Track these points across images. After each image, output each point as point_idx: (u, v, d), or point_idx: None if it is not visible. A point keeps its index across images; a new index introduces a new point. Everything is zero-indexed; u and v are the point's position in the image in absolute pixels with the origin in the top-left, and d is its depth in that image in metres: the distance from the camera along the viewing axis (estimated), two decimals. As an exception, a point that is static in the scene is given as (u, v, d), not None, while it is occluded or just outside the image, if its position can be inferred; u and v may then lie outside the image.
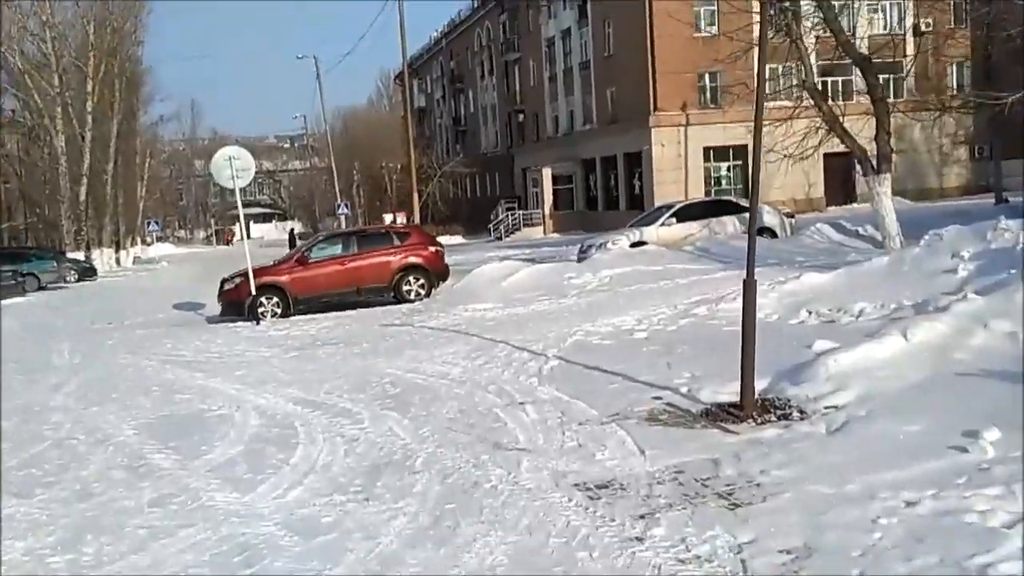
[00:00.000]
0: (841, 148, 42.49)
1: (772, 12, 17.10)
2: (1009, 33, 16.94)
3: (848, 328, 9.43)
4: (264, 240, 68.59)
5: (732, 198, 20.97)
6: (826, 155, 40.43)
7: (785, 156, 17.97)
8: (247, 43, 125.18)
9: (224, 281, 17.48)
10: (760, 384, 7.41)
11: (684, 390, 7.74)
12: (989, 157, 42.95)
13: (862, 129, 21.07)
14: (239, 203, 16.55)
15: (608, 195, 45.59)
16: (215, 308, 19.07)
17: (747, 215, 19.54)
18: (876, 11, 42.08)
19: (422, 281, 17.35)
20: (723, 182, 41.09)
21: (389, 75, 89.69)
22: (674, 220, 19.19)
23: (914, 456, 5.34)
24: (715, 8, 39.82)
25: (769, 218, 19.62)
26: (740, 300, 11.82)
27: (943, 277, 10.23)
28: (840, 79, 41.35)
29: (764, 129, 8.04)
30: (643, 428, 6.79)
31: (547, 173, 48.25)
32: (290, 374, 10.57)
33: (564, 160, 48.25)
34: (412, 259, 17.37)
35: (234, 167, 15.46)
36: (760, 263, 15.84)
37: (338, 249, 17.51)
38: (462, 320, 13.71)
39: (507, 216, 50.16)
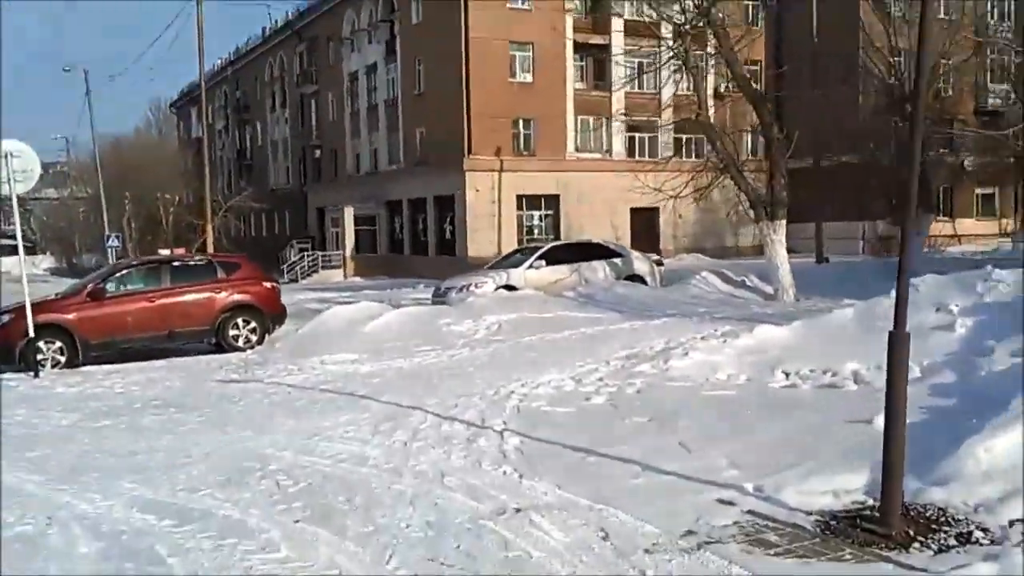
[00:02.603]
0: (645, 203, 43.16)
1: (672, 41, 15.77)
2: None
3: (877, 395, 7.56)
4: (10, 275, 59.93)
5: (601, 241, 19.25)
6: (632, 209, 40.89)
7: (671, 197, 16.46)
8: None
9: (-14, 320, 13.35)
10: (857, 479, 5.30)
11: (750, 487, 5.46)
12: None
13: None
14: (16, 215, 12.54)
15: (416, 239, 43.26)
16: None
17: (617, 260, 18.04)
18: (680, 71, 42.98)
19: (253, 324, 14.05)
20: (535, 231, 40.03)
21: (160, 103, 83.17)
22: (543, 263, 17.11)
23: None
24: (530, 55, 39.13)
25: (640, 264, 18.06)
26: (691, 357, 9.97)
27: (939, 336, 8.70)
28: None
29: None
30: (760, 559, 4.43)
31: (349, 213, 45.19)
32: (115, 456, 7.25)
33: (367, 200, 45.45)
34: (243, 297, 14.03)
35: (10, 167, 11.61)
36: (659, 313, 14.16)
37: (144, 281, 13.83)
38: (328, 376, 10.75)
39: (302, 257, 46.42)
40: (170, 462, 6.95)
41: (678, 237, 42.92)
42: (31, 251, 77.89)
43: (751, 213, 44.96)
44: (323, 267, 45.41)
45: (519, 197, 39.00)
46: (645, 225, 40.93)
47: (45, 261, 71.26)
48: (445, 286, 17.44)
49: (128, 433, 8.18)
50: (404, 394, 9.10)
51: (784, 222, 15.14)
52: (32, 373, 12.07)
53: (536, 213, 39.99)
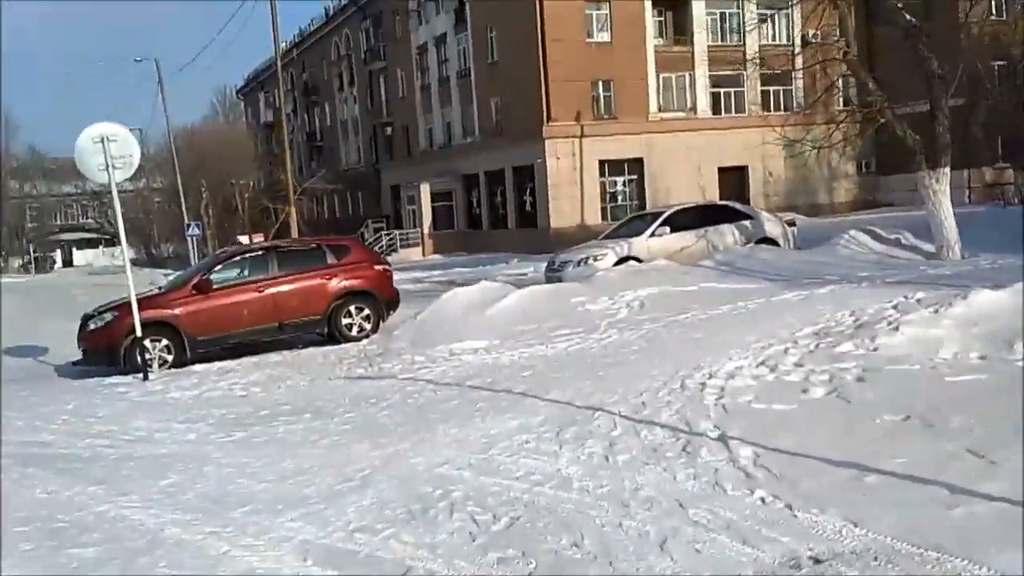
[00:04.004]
0: (734, 162, 41.17)
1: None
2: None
3: None
4: (92, 267, 60.61)
5: (728, 203, 17.73)
6: (720, 168, 38.98)
7: (816, 148, 14.95)
8: (69, 45, 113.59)
9: (87, 318, 12.45)
10: None
11: None
12: (876, 172, 42.52)
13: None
14: (116, 202, 11.55)
15: (494, 213, 42.04)
16: (63, 352, 13.95)
17: (747, 223, 16.43)
18: (765, 20, 40.83)
19: (367, 312, 12.94)
20: (619, 197, 38.46)
21: (225, 91, 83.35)
22: (667, 229, 15.65)
23: None
24: (608, 13, 37.34)
25: (771, 227, 16.47)
26: (903, 332, 8.49)
27: None
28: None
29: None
30: None
31: (425, 190, 44.11)
32: (261, 481, 6.15)
33: (442, 176, 44.31)
34: (355, 282, 12.91)
35: (108, 153, 10.62)
36: (818, 280, 12.65)
37: (251, 270, 12.79)
38: (467, 368, 9.57)
39: (380, 237, 45.58)
40: (329, 488, 5.82)
41: (769, 196, 40.78)
42: (110, 243, 79.17)
43: (848, 167, 42.96)
44: (401, 246, 44.50)
45: (601, 163, 37.45)
46: (735, 185, 39.00)
47: (129, 252, 72.14)
48: (560, 260, 16.11)
49: (267, 448, 7.08)
50: (568, 389, 7.84)
51: (948, 170, 13.42)
52: (141, 375, 11.14)
53: (619, 179, 38.41)
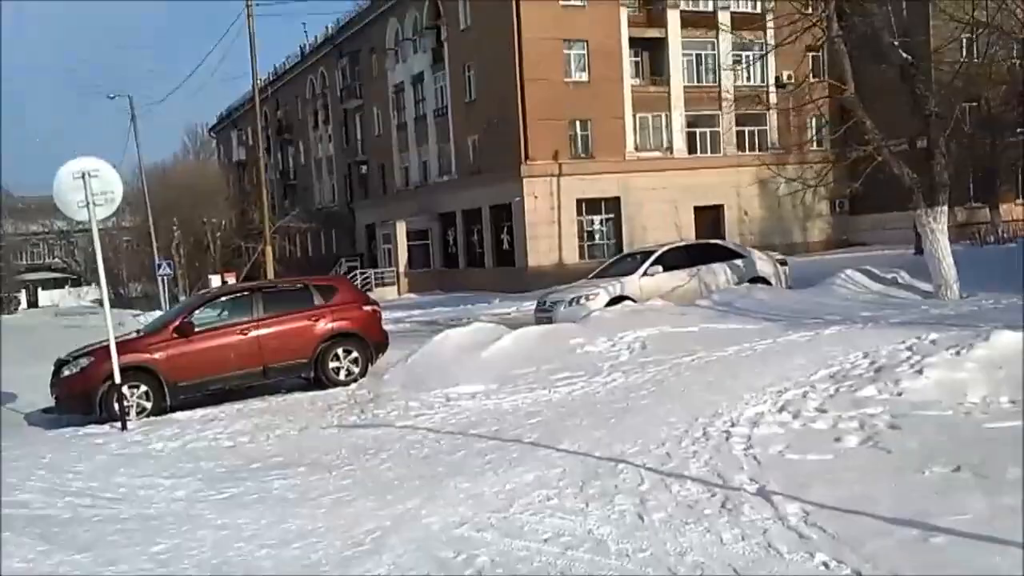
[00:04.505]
0: (710, 201, 41.27)
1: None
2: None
3: None
4: (59, 308, 59.30)
5: (719, 241, 17.47)
6: (696, 207, 39.04)
7: (807, 187, 14.75)
8: (36, 80, 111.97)
9: (61, 364, 11.82)
10: None
11: None
12: (848, 211, 42.82)
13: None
14: (96, 241, 10.93)
15: (471, 251, 41.70)
16: (32, 399, 13.32)
17: (739, 262, 16.16)
18: (739, 61, 41.26)
19: (355, 355, 12.43)
20: (596, 236, 38.35)
21: (196, 130, 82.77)
22: (659, 268, 15.34)
23: None
24: (585, 52, 37.46)
25: (763, 265, 16.23)
26: (927, 375, 8.16)
27: None
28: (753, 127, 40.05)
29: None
30: None
31: (401, 228, 43.72)
32: (263, 545, 5.64)
33: (418, 214, 43.99)
34: (343, 324, 12.41)
35: (89, 189, 10.11)
36: (820, 321, 12.35)
37: (235, 312, 12.25)
38: (467, 414, 9.12)
39: (355, 276, 45.01)
40: (338, 554, 5.33)
41: (744, 235, 40.86)
42: (76, 283, 77.75)
43: (821, 207, 43.17)
44: (376, 284, 43.96)
45: (579, 201, 37.35)
46: (710, 223, 39.10)
47: (91, 293, 70.78)
48: (551, 300, 15.72)
49: (264, 507, 6.57)
50: (582, 438, 7.42)
51: (945, 208, 13.27)
52: (119, 424, 10.54)
53: (596, 218, 38.33)
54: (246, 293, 12.66)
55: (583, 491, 6.02)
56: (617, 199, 37.91)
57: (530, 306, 23.27)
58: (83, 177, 10.05)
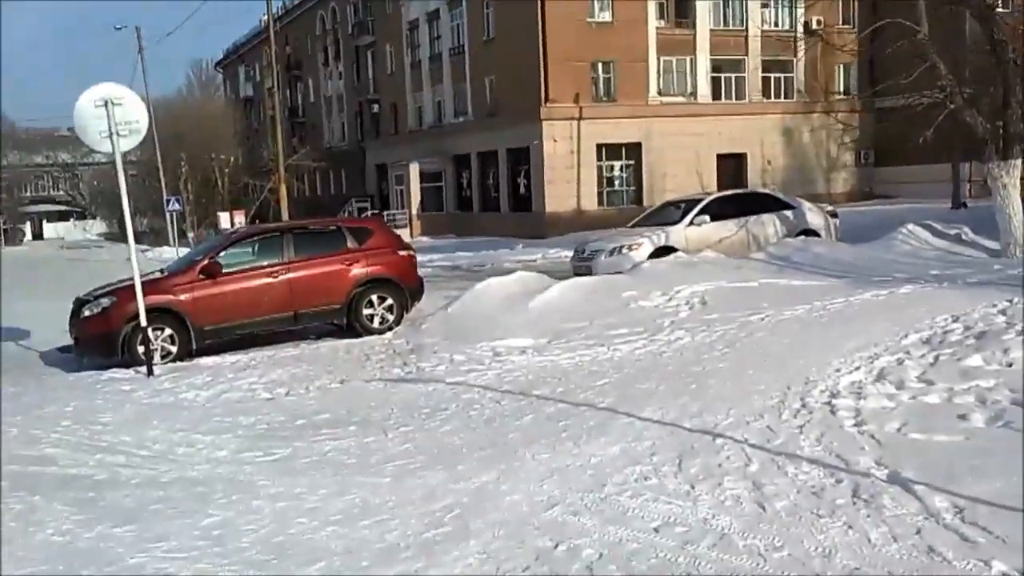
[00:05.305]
0: (732, 149, 40.31)
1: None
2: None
3: None
4: (65, 241, 58.64)
5: (769, 191, 16.65)
6: (719, 155, 38.06)
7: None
8: (39, 9, 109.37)
9: (81, 303, 11.12)
10: None
11: None
12: (873, 163, 41.81)
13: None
14: (120, 174, 10.22)
15: (485, 195, 40.80)
16: (46, 336, 12.73)
17: (788, 213, 15.31)
18: (767, 6, 39.91)
19: (390, 301, 11.73)
20: (616, 183, 37.45)
21: (202, 65, 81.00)
22: (706, 218, 14.55)
23: None
24: (608, -10, 36.13)
25: (813, 217, 15.43)
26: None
27: None
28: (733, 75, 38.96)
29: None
30: None
31: (414, 169, 42.79)
32: (327, 521, 4.99)
33: (431, 156, 42.98)
34: (377, 269, 11.68)
35: (113, 118, 9.32)
36: (888, 278, 11.64)
37: (264, 254, 11.51)
38: (524, 371, 8.44)
39: (367, 216, 44.18)
40: (418, 536, 4.67)
41: (767, 184, 39.86)
42: (81, 216, 76.94)
43: (846, 158, 42.18)
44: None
45: (599, 147, 36.37)
46: (732, 172, 38.18)
47: (96, 226, 70.04)
48: (590, 248, 14.95)
49: (320, 474, 5.91)
50: (663, 405, 6.74)
51: (1019, 162, 12.44)
52: (144, 369, 9.88)
53: (617, 163, 37.39)
54: (276, 234, 11.90)
55: (682, 470, 5.36)
56: (638, 145, 36.92)
57: (555, 253, 22.62)
58: (106, 105, 9.23)
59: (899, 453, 5.31)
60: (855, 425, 5.89)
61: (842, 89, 41.84)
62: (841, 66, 41.11)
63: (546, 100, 35.23)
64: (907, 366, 7.16)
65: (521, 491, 5.25)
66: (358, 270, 11.64)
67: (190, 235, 44.04)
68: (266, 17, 63.56)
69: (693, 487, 5.08)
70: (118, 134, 9.37)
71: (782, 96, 40.75)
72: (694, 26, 38.08)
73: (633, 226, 15.78)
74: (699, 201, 15.04)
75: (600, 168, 36.95)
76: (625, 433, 6.15)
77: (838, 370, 7.21)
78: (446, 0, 41.80)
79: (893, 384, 6.75)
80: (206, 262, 11.12)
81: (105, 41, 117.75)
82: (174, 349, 10.76)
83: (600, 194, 36.98)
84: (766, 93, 40.65)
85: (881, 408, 6.19)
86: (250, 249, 11.66)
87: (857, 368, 7.23)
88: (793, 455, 5.42)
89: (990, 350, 7.18)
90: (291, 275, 11.35)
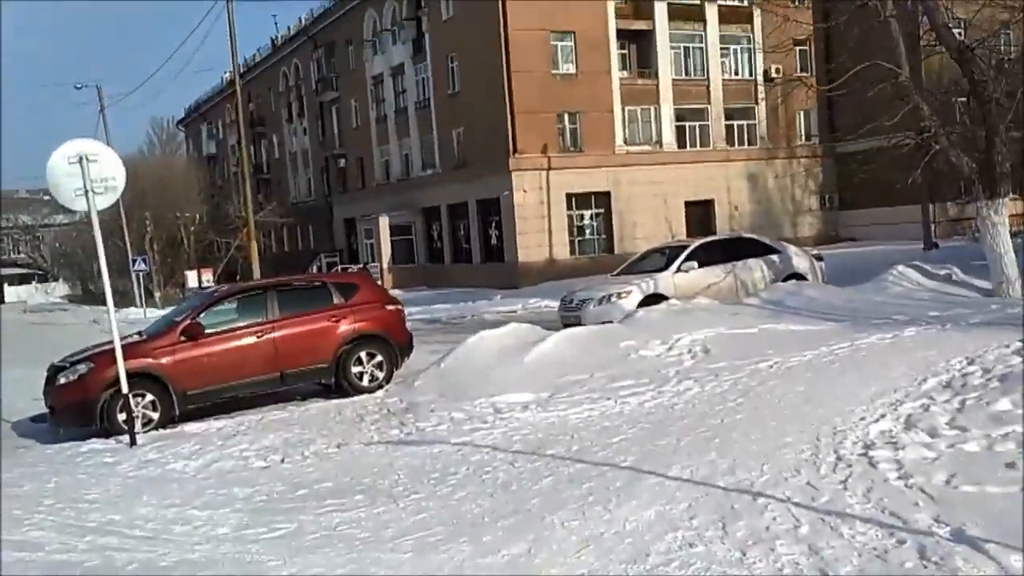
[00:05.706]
0: (700, 196, 40.69)
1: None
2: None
3: None
4: (27, 304, 57.27)
5: (754, 236, 16.55)
6: (686, 203, 38.30)
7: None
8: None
9: (56, 370, 10.56)
10: None
11: None
12: (838, 207, 42.36)
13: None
14: (97, 233, 9.71)
15: (457, 247, 40.61)
16: (15, 404, 12.13)
17: (775, 257, 15.17)
18: (727, 55, 40.60)
19: (380, 358, 11.33)
20: (587, 231, 37.55)
21: (163, 123, 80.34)
22: (694, 264, 14.38)
23: None
24: (572, 44, 36.47)
25: (799, 261, 15.34)
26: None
27: None
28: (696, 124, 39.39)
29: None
30: None
31: (384, 223, 42.52)
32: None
33: (400, 209, 42.80)
34: (365, 325, 11.31)
35: (88, 175, 8.90)
36: (888, 322, 11.44)
37: (247, 312, 11.07)
38: (526, 429, 8.07)
39: (337, 271, 43.66)
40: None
41: (735, 230, 40.25)
42: (43, 279, 75.41)
43: (811, 202, 42.68)
44: (360, 281, 42.62)
45: (569, 196, 36.47)
46: (701, 218, 38.52)
47: (59, 288, 68.60)
48: (578, 298, 14.68)
49: (334, 551, 5.46)
50: (690, 462, 6.40)
51: (1007, 200, 12.46)
52: (127, 439, 9.35)
53: (587, 212, 37.51)
54: (259, 292, 11.47)
55: (728, 534, 5.02)
56: (607, 194, 37.14)
57: (535, 303, 22.35)
58: (80, 162, 8.82)
59: (955, 508, 5.01)
60: (900, 478, 5.60)
61: (803, 135, 42.56)
62: (801, 112, 41.85)
63: (514, 151, 35.31)
64: (934, 412, 6.92)
65: (558, 564, 4.87)
66: (345, 327, 11.25)
67: (157, 295, 43.16)
68: (229, 75, 63.67)
69: (744, 553, 4.73)
70: (94, 192, 8.94)
71: (745, 143, 41.35)
72: (657, 76, 38.61)
73: (618, 274, 15.57)
74: (684, 247, 14.90)
75: (571, 217, 37.04)
76: (656, 494, 5.81)
77: (863, 418, 6.95)
78: (410, 55, 41.98)
79: (926, 432, 6.49)
80: (187, 323, 10.66)
81: (64, 101, 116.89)
82: (156, 416, 10.23)
83: (572, 243, 37.03)
84: (730, 140, 41.23)
85: (922, 459, 5.91)
86: (232, 308, 11.22)
87: (883, 416, 6.97)
88: (844, 514, 5.10)
89: (1016, 394, 6.97)
90: (276, 334, 10.93)
